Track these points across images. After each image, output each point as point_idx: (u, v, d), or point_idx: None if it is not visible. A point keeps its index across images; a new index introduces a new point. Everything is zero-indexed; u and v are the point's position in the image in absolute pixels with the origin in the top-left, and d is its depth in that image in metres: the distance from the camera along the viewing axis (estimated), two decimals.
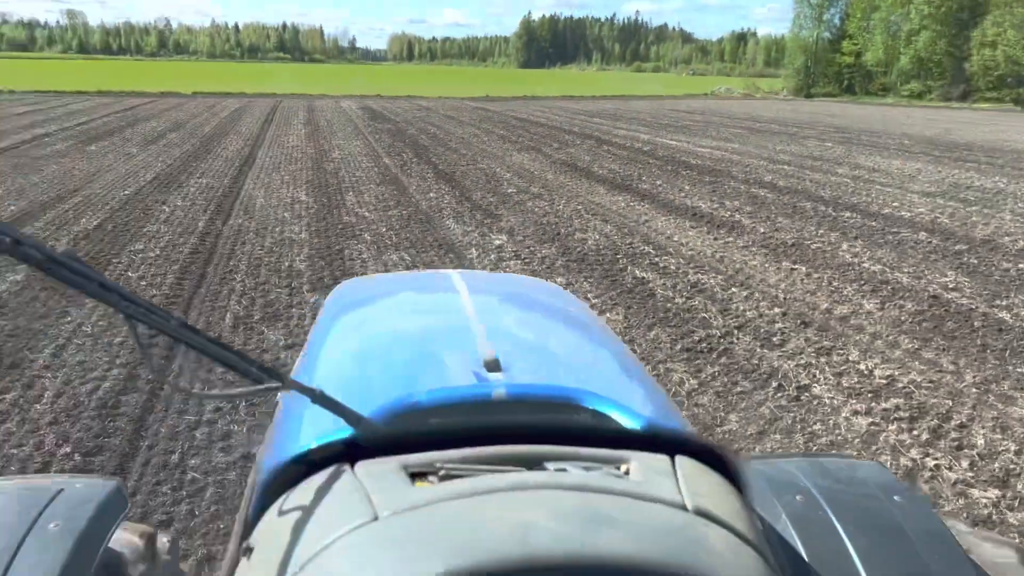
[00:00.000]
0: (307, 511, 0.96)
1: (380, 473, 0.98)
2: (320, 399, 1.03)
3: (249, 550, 1.02)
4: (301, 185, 11.36)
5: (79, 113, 23.27)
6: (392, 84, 56.31)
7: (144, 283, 6.32)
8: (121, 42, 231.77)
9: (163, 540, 1.53)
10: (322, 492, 0.98)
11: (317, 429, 1.14)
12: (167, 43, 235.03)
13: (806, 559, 1.18)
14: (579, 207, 10.20)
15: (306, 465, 1.07)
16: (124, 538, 1.43)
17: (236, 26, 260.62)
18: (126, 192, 10.45)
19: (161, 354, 4.70)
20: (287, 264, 7.00)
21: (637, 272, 7.07)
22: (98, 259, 7.03)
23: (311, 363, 1.59)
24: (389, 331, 1.74)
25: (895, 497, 1.34)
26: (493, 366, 1.32)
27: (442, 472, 0.98)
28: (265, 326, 5.40)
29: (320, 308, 2.11)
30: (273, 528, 1.00)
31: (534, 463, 1.02)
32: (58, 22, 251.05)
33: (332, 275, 6.60)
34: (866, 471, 1.46)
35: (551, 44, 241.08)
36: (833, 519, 1.26)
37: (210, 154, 14.67)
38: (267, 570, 0.91)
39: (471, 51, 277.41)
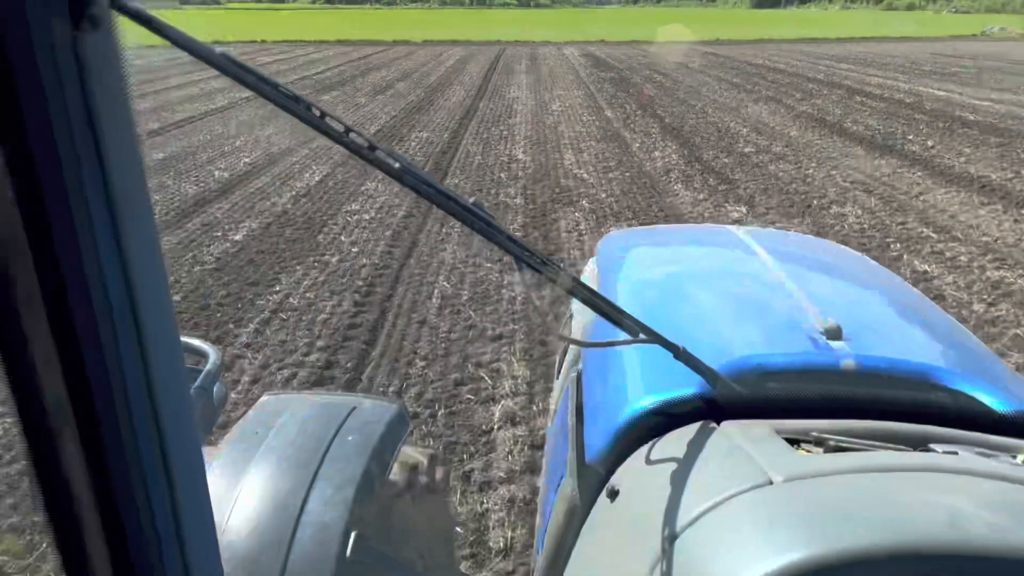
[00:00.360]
0: (682, 464, 0.99)
1: (756, 436, 1.00)
2: (683, 356, 1.04)
3: (615, 493, 1.08)
4: (519, 141, 10.80)
5: (317, 63, 24.51)
6: (617, 28, 54.51)
7: (356, 249, 6.04)
8: None
9: (427, 461, 1.66)
10: (694, 447, 1.01)
11: (670, 383, 1.19)
12: None
13: None
14: (832, 172, 8.72)
15: (665, 417, 1.14)
16: (405, 455, 1.58)
17: None
18: None
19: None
20: None
21: (917, 264, 5.70)
22: (314, 219, 6.89)
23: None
24: (703, 287, 1.71)
25: None
26: (835, 334, 1.27)
27: (830, 443, 0.98)
28: (472, 309, 4.84)
29: (593, 260, 2.10)
30: (642, 476, 1.05)
31: (917, 443, 1.00)
32: None
33: (545, 250, 5.92)
34: None
35: None
36: None
37: (433, 105, 14.58)
38: (643, 515, 0.95)
39: None
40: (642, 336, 1.04)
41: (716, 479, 0.93)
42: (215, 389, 1.63)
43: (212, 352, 1.64)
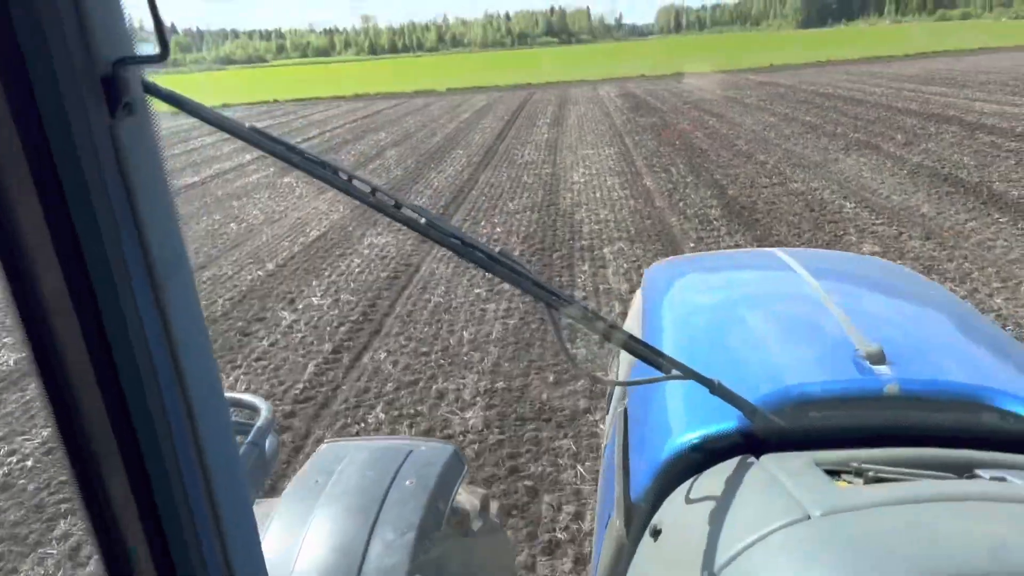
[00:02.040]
0: (721, 501, 0.98)
1: (795, 469, 0.98)
2: (718, 390, 1.04)
3: (657, 532, 1.07)
4: (513, 246, 7.34)
5: (315, 125, 21.67)
6: (659, 61, 51.30)
7: None
8: (404, 40, 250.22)
9: (493, 502, 1.76)
10: (733, 482, 1.01)
11: (707, 417, 1.17)
12: (444, 37, 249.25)
13: None
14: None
15: (704, 453, 1.12)
16: (461, 498, 1.62)
17: (507, 15, 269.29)
18: (238, 281, 7.15)
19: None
20: None
21: None
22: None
23: (658, 345, 1.41)
24: (742, 314, 1.69)
25: None
26: (877, 358, 1.24)
27: (870, 473, 0.97)
28: None
29: (640, 291, 2.11)
30: (682, 513, 1.04)
31: (962, 469, 0.98)
32: (353, 27, 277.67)
33: None
34: None
35: None
36: None
37: (419, 182, 11.28)
38: (684, 553, 0.94)
39: (743, 16, 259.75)
40: (676, 372, 1.03)
41: (754, 515, 0.93)
42: (268, 442, 1.64)
43: (263, 406, 1.67)
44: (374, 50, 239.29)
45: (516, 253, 7.02)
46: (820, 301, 1.59)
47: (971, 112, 14.35)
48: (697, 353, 1.47)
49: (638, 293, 2.14)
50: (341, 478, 1.52)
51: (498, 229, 8.01)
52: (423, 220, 0.94)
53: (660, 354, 1.03)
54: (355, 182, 0.91)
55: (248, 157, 14.88)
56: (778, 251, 2.04)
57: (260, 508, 1.51)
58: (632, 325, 1.95)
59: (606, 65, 47.19)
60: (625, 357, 1.82)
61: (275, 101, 32.07)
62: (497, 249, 0.99)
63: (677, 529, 1.03)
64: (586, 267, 6.49)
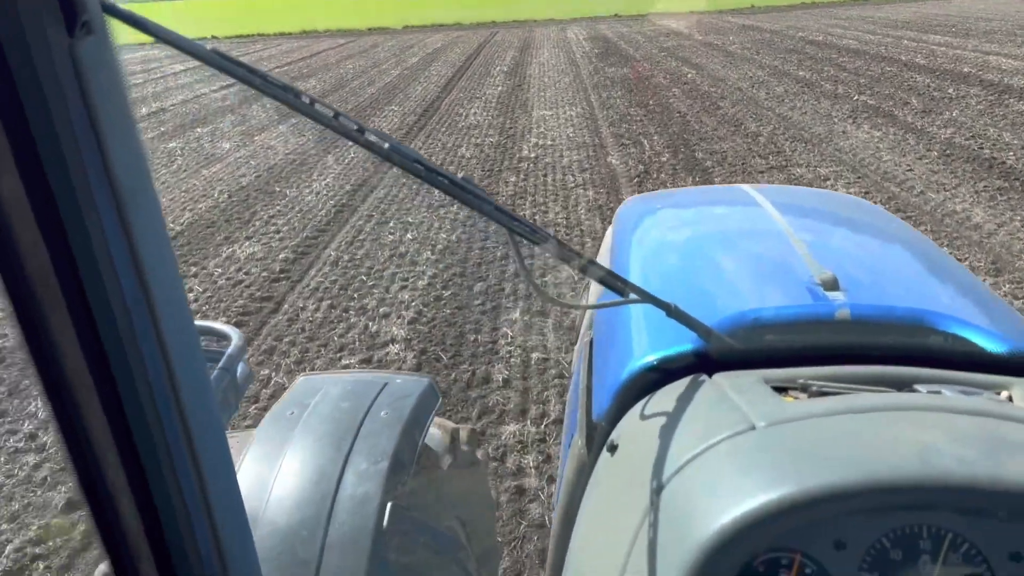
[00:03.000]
0: (673, 415, 1.03)
1: (744, 385, 1.02)
2: (675, 313, 1.06)
3: (614, 447, 1.11)
4: (419, 275, 5.32)
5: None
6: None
7: None
8: None
9: (463, 433, 1.79)
10: (685, 399, 1.05)
11: (665, 340, 1.22)
12: None
13: None
14: None
15: (660, 373, 1.17)
16: (435, 430, 1.67)
17: None
18: None
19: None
20: None
21: None
22: None
23: (625, 275, 1.49)
24: (705, 245, 1.73)
25: None
26: (831, 284, 1.28)
27: (813, 388, 1.00)
28: None
29: (612, 225, 2.14)
30: (637, 429, 1.08)
31: (902, 385, 1.02)
32: None
33: None
34: None
35: None
36: None
37: (327, 158, 9.12)
38: (637, 467, 0.98)
39: None
40: (633, 296, 1.05)
41: (703, 427, 0.96)
42: (239, 369, 1.65)
43: (234, 335, 1.68)
44: None
45: (403, 327, 5.06)
46: (782, 233, 1.62)
47: (988, 69, 12.39)
48: (660, 282, 1.55)
49: (609, 229, 2.19)
50: (316, 410, 1.53)
51: (408, 236, 5.97)
52: (386, 145, 0.95)
53: (619, 278, 1.06)
54: (317, 106, 0.91)
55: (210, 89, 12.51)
56: (746, 187, 2.07)
57: (236, 440, 1.53)
58: (602, 259, 1.95)
59: (578, 1, 44.15)
60: (595, 288, 1.82)
61: (213, 37, 29.05)
62: (460, 175, 1.01)
63: (632, 444, 1.07)
64: (512, 319, 4.53)
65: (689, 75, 13.68)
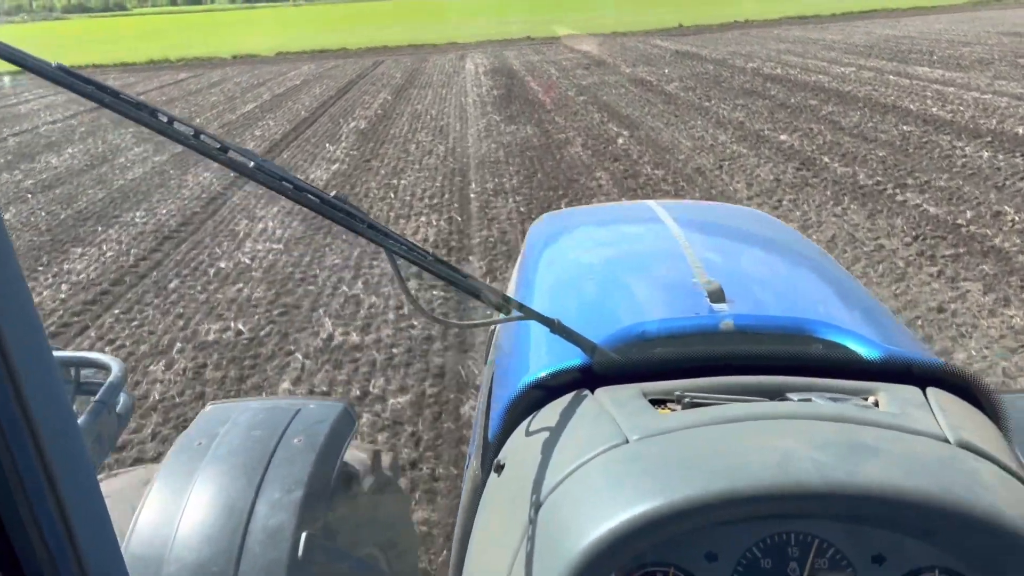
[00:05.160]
0: (555, 432, 1.02)
1: (622, 399, 1.02)
2: (559, 329, 1.06)
3: (500, 467, 1.09)
4: None
5: (23, 118, 13.92)
6: (556, 13, 44.49)
7: None
8: None
9: (385, 457, 1.75)
10: (567, 415, 1.04)
11: (552, 357, 1.19)
12: None
13: None
14: None
15: (545, 390, 1.14)
16: (353, 454, 1.60)
17: None
18: None
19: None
20: None
21: None
22: None
23: (528, 293, 1.60)
24: (604, 263, 1.75)
25: None
26: (717, 296, 1.29)
27: (685, 400, 1.00)
28: None
29: (523, 242, 2.12)
30: (522, 448, 1.06)
31: (775, 394, 1.02)
32: None
33: None
34: None
35: None
36: None
37: None
38: (520, 485, 0.97)
39: None
40: (516, 313, 1.06)
41: (580, 444, 0.96)
42: (120, 401, 1.61)
43: (114, 365, 1.62)
44: None
45: None
46: (678, 247, 1.62)
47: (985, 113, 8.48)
48: (557, 298, 1.57)
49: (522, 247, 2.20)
50: (225, 440, 1.45)
51: None
52: (251, 164, 0.92)
53: (501, 296, 1.06)
54: (176, 125, 0.88)
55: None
56: (652, 202, 2.07)
57: (140, 474, 1.52)
58: (513, 277, 1.96)
59: (492, 19, 39.91)
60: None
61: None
62: (333, 193, 0.98)
63: (516, 463, 1.05)
64: None
65: (620, 141, 9.34)
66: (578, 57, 19.82)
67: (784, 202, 6.42)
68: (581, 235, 2.06)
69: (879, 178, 6.93)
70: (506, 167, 8.30)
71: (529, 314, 1.06)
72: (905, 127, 9.00)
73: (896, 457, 0.84)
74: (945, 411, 0.96)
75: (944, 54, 15.93)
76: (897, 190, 6.56)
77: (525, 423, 1.11)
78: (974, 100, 10.40)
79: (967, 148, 7.84)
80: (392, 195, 7.34)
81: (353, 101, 14.04)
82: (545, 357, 1.24)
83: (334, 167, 8.66)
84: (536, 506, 0.91)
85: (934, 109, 9.94)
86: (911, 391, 1.02)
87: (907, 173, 7.04)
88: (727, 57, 17.85)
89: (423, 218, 6.59)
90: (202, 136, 0.89)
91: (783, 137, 8.87)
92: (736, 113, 10.61)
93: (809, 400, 0.98)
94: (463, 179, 7.96)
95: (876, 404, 1.00)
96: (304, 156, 9.34)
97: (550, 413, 1.08)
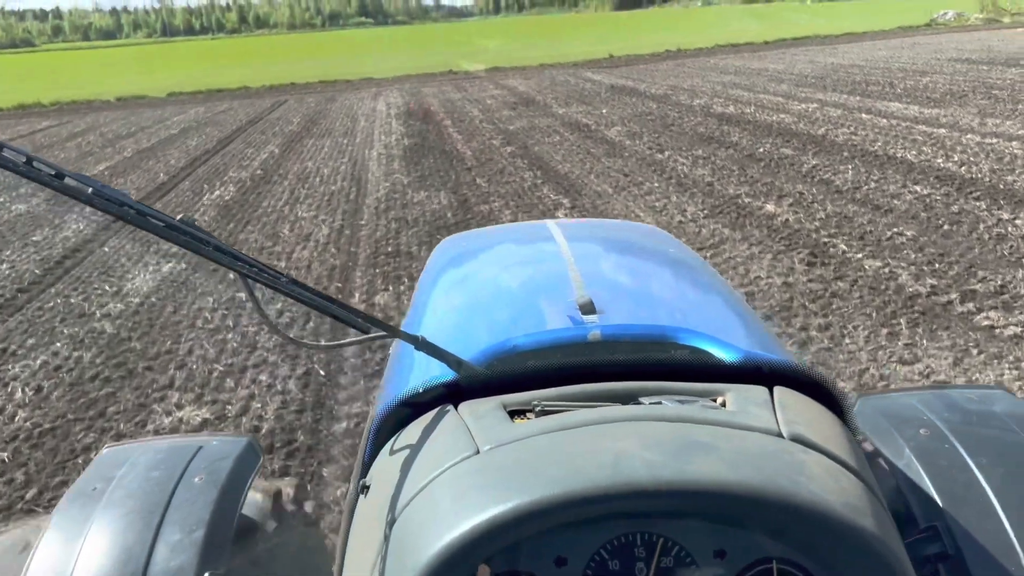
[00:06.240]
0: (415, 449, 1.01)
1: (482, 411, 1.02)
2: (423, 345, 1.07)
3: (366, 488, 1.08)
4: None
5: None
6: (474, 47, 42.72)
7: None
8: (203, 21, 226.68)
9: (289, 491, 1.66)
10: (428, 431, 1.04)
11: (422, 374, 1.19)
12: (247, 17, 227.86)
13: (935, 495, 1.15)
14: None
15: (412, 407, 1.13)
16: (258, 490, 1.55)
17: None
18: None
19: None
20: None
21: None
22: None
23: (419, 314, 1.65)
24: (488, 281, 1.78)
25: None
26: (588, 308, 1.31)
27: (538, 408, 1.01)
28: None
29: (425, 263, 2.12)
30: (386, 467, 1.05)
31: (629, 398, 1.04)
32: (146, 6, 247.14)
33: None
34: (992, 399, 1.40)
35: None
36: (962, 452, 1.22)
37: None
38: (380, 504, 0.97)
39: None
40: (378, 332, 1.05)
41: (436, 458, 0.95)
42: None
43: None
44: (167, 31, 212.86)
45: None
46: (563, 263, 1.63)
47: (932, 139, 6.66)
48: (441, 317, 1.58)
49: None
50: (122, 483, 1.39)
51: None
52: (89, 190, 0.89)
53: (361, 315, 1.05)
54: (6, 151, 0.86)
55: None
56: (550, 222, 2.06)
57: (30, 524, 1.43)
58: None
59: (412, 52, 37.72)
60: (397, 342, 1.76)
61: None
62: (179, 217, 0.95)
63: (379, 482, 1.04)
64: None
65: (560, 214, 7.15)
66: (504, 95, 17.75)
67: (814, 332, 4.28)
68: (476, 256, 2.05)
69: (931, 281, 4.88)
70: (408, 262, 6.01)
71: (393, 333, 1.07)
72: (918, 188, 7.08)
73: (726, 453, 0.86)
74: (786, 408, 1.00)
75: (906, 86, 14.42)
76: (969, 303, 4.50)
77: (391, 442, 1.11)
78: (978, 146, 8.63)
79: (1018, 220, 5.92)
80: (229, 326, 4.93)
81: (232, 157, 11.54)
82: (415, 375, 1.24)
83: (165, 268, 6.17)
84: (391, 524, 0.91)
85: (939, 160, 8.09)
86: (758, 390, 1.05)
87: (966, 270, 5.02)
88: (668, 92, 16.03)
89: (258, 386, 4.21)
90: (35, 163, 0.88)
91: (770, 207, 6.82)
92: (699, 169, 8.57)
93: (659, 403, 1.00)
94: (345, 284, 5.63)
95: (723, 404, 1.02)
96: (133, 250, 6.84)
97: (414, 430, 1.08)
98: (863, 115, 11.42)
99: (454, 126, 13.29)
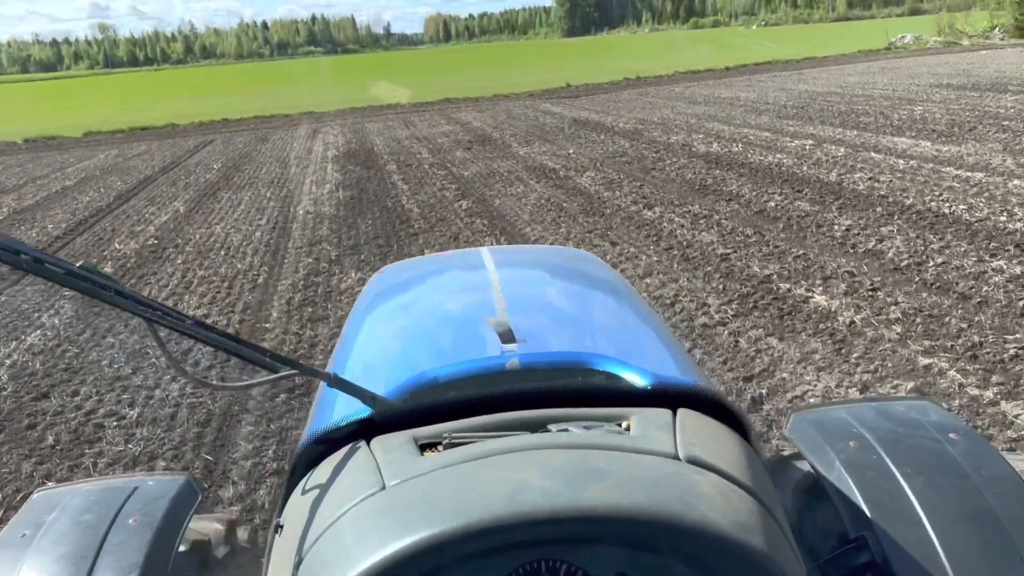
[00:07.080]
0: (325, 487, 1.00)
1: (392, 446, 1.01)
2: (335, 382, 1.06)
3: (279, 527, 1.07)
4: None
5: None
6: (426, 75, 41.09)
7: None
8: (147, 51, 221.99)
9: (241, 528, 1.60)
10: (339, 468, 1.02)
11: (342, 410, 1.17)
12: (193, 48, 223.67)
13: (863, 505, 1.16)
14: None
15: (326, 444, 1.11)
16: (203, 527, 1.50)
17: (264, 23, 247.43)
18: None
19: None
20: None
21: None
22: None
23: (347, 347, 1.61)
24: (415, 312, 1.77)
25: (951, 435, 1.31)
26: (507, 337, 1.31)
27: (447, 441, 1.00)
28: None
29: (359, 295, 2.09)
30: (298, 505, 1.04)
31: (538, 427, 1.03)
32: (87, 37, 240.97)
33: None
34: (920, 411, 1.42)
35: (596, 7, 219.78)
36: (888, 463, 1.24)
37: None
38: (291, 545, 0.95)
39: (510, 25, 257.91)
40: (288, 370, 1.03)
41: (345, 494, 0.93)
42: None
43: None
44: (110, 63, 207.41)
45: None
46: (490, 292, 1.63)
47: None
48: (363, 352, 1.55)
49: None
50: (52, 528, 1.33)
51: None
52: None
53: (270, 354, 1.02)
54: None
55: None
56: (484, 249, 2.05)
57: None
58: None
59: (358, 83, 35.84)
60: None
61: None
62: (79, 264, 0.93)
63: (292, 521, 1.02)
64: None
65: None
66: (457, 131, 15.96)
67: None
68: (408, 287, 2.02)
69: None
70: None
71: (303, 371, 1.05)
72: (1000, 262, 5.41)
73: (621, 478, 0.87)
74: (686, 430, 1.00)
75: (900, 117, 13.02)
76: None
77: (304, 480, 1.09)
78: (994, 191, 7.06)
79: None
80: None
81: (126, 219, 9.47)
82: (336, 411, 1.21)
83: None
84: (298, 565, 0.90)
85: (1002, 218, 6.47)
86: (661, 413, 1.06)
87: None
88: (639, 127, 14.41)
89: None
90: None
91: (819, 298, 5.06)
92: (703, 233, 6.83)
93: (566, 430, 0.99)
94: (218, 453, 3.67)
95: (628, 428, 1.02)
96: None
97: (326, 468, 1.05)
98: (872, 154, 9.87)
99: (399, 172, 11.42)
